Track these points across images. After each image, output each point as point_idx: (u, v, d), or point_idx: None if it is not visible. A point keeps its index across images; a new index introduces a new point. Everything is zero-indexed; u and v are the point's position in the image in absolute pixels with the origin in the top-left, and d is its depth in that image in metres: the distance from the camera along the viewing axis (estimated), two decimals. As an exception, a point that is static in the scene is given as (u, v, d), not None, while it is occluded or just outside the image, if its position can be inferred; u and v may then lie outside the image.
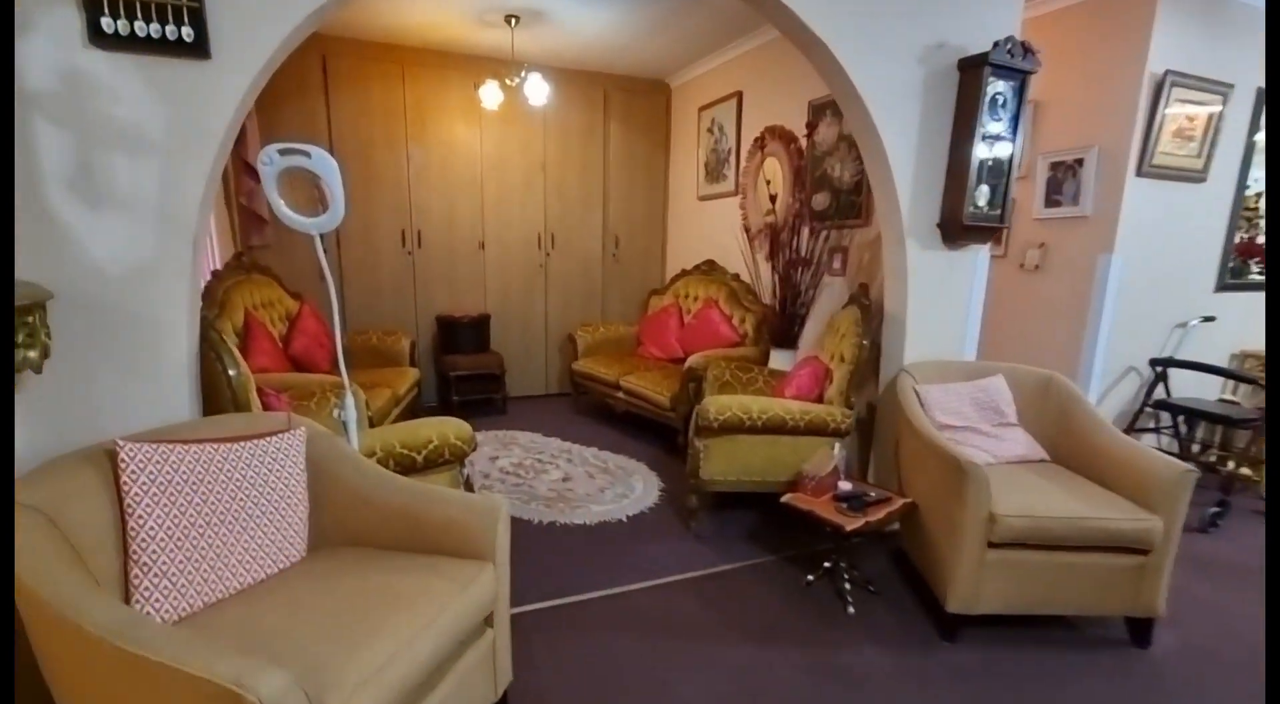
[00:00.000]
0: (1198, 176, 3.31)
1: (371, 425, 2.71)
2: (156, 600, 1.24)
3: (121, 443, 1.28)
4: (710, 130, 4.59)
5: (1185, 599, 2.36)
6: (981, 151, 2.48)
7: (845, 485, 2.37)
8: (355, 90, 4.12)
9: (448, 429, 2.12)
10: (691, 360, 3.63)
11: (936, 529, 2.21)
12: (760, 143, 3.58)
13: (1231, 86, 3.23)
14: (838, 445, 2.46)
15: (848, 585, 2.32)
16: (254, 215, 3.81)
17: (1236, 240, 3.55)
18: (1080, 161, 3.20)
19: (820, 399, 2.91)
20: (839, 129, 3.32)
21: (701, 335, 4.11)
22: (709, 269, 4.49)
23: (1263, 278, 3.62)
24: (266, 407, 1.95)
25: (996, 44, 2.34)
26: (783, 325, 3.52)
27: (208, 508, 1.37)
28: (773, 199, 3.34)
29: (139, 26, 1.41)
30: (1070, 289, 3.32)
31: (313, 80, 4.01)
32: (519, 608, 2.18)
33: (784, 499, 2.34)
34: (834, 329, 3.06)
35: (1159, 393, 3.43)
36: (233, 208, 3.80)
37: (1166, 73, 3.00)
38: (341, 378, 2.68)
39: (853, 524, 2.13)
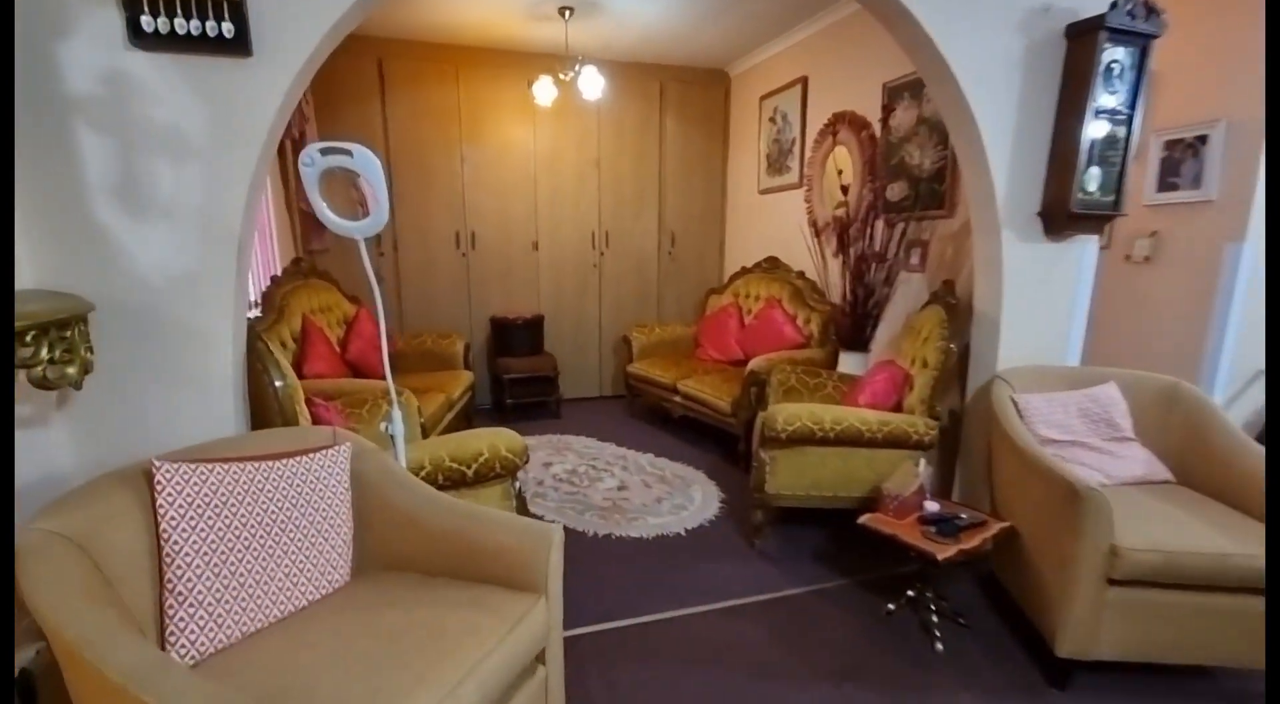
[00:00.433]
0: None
1: (424, 432, 2.65)
2: (191, 632, 1.17)
3: (158, 463, 1.22)
4: (772, 119, 4.36)
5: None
6: (1093, 130, 2.17)
7: (932, 506, 2.13)
8: (410, 92, 4.11)
9: (499, 441, 2.01)
10: (754, 364, 3.43)
11: (1041, 559, 1.94)
12: (829, 130, 3.33)
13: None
14: (922, 462, 2.22)
15: (935, 617, 2.09)
16: (314, 220, 3.84)
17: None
18: (1203, 139, 2.80)
19: (898, 408, 2.65)
20: (918, 112, 3.04)
21: (763, 337, 3.89)
22: (771, 266, 4.26)
23: None
24: (316, 417, 1.89)
25: (1115, 4, 2.03)
26: (853, 326, 3.27)
27: (247, 532, 1.29)
28: (844, 190, 3.09)
29: (179, 24, 1.35)
30: (1188, 283, 2.92)
31: (369, 85, 4.02)
32: (572, 631, 2.05)
33: (863, 521, 2.12)
34: (913, 331, 2.79)
35: (1298, 402, 2.98)
36: (294, 212, 3.84)
37: (1314, 31, 2.58)
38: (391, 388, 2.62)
39: (945, 553, 1.89)
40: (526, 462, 2.11)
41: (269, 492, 1.35)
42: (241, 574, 1.26)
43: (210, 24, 1.36)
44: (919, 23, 2.02)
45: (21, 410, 1.34)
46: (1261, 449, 1.95)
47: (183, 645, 1.16)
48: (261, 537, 1.31)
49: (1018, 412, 2.26)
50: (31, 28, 1.26)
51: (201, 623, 1.18)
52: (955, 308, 2.53)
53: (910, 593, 2.19)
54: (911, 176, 3.12)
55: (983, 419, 2.44)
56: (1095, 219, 2.29)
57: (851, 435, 2.41)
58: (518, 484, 2.18)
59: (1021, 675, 1.89)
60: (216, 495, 1.27)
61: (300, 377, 2.85)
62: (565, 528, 2.85)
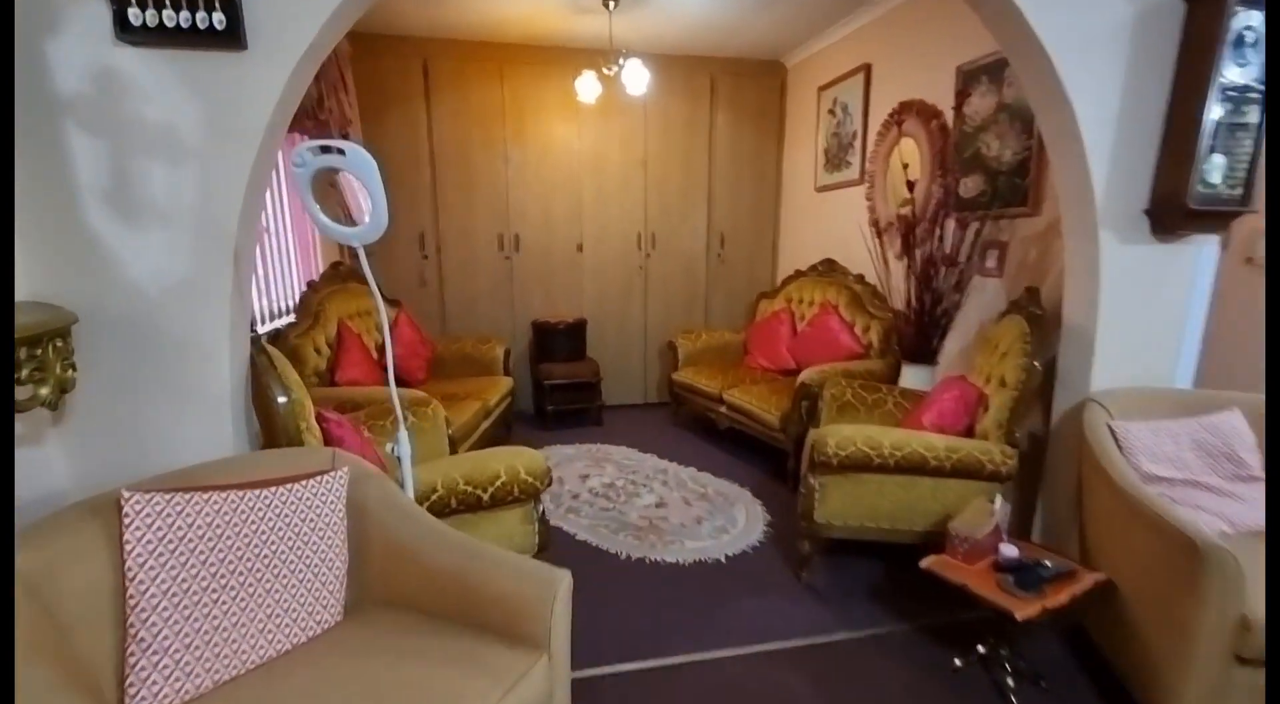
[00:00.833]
0: None
1: (451, 444, 2.54)
2: (154, 683, 1.06)
3: (126, 493, 1.12)
4: (831, 112, 4.06)
5: None
6: (1217, 111, 1.82)
7: (1009, 551, 1.83)
8: (455, 93, 4.05)
9: (518, 463, 1.86)
10: (805, 375, 3.17)
11: (1147, 622, 1.63)
12: (894, 121, 3.04)
13: None
14: (999, 498, 1.92)
15: (1010, 679, 1.80)
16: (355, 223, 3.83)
17: None
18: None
19: (969, 431, 2.35)
20: (998, 97, 2.71)
21: (817, 345, 3.61)
22: (827, 269, 3.97)
23: None
24: (327, 435, 1.79)
25: (1250, -42, 1.69)
26: (918, 336, 2.96)
27: (225, 569, 1.18)
28: (910, 186, 2.80)
29: (168, 16, 1.25)
30: (1330, 291, 2.47)
31: (414, 87, 3.98)
32: (592, 670, 1.88)
33: (927, 565, 1.85)
34: (989, 343, 2.48)
35: None
36: (339, 215, 3.84)
37: None
38: (423, 396, 2.52)
39: (1026, 611, 1.61)
40: (548, 484, 1.95)
41: (252, 523, 1.24)
42: (215, 616, 1.14)
43: (200, 15, 1.27)
44: (1004, -8, 1.73)
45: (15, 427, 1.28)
46: None
47: (143, 698, 1.05)
48: (241, 574, 1.20)
49: (1116, 442, 1.93)
50: (18, 25, 1.19)
51: (166, 672, 1.07)
52: (1040, 319, 2.20)
53: (981, 649, 1.91)
54: (988, 170, 2.79)
55: (1071, 448, 2.11)
56: (1217, 216, 1.93)
57: (915, 463, 2.14)
58: (541, 507, 2.03)
59: (1120, 761, 1.59)
60: (192, 529, 1.16)
61: (333, 383, 2.82)
62: (596, 549, 2.72)
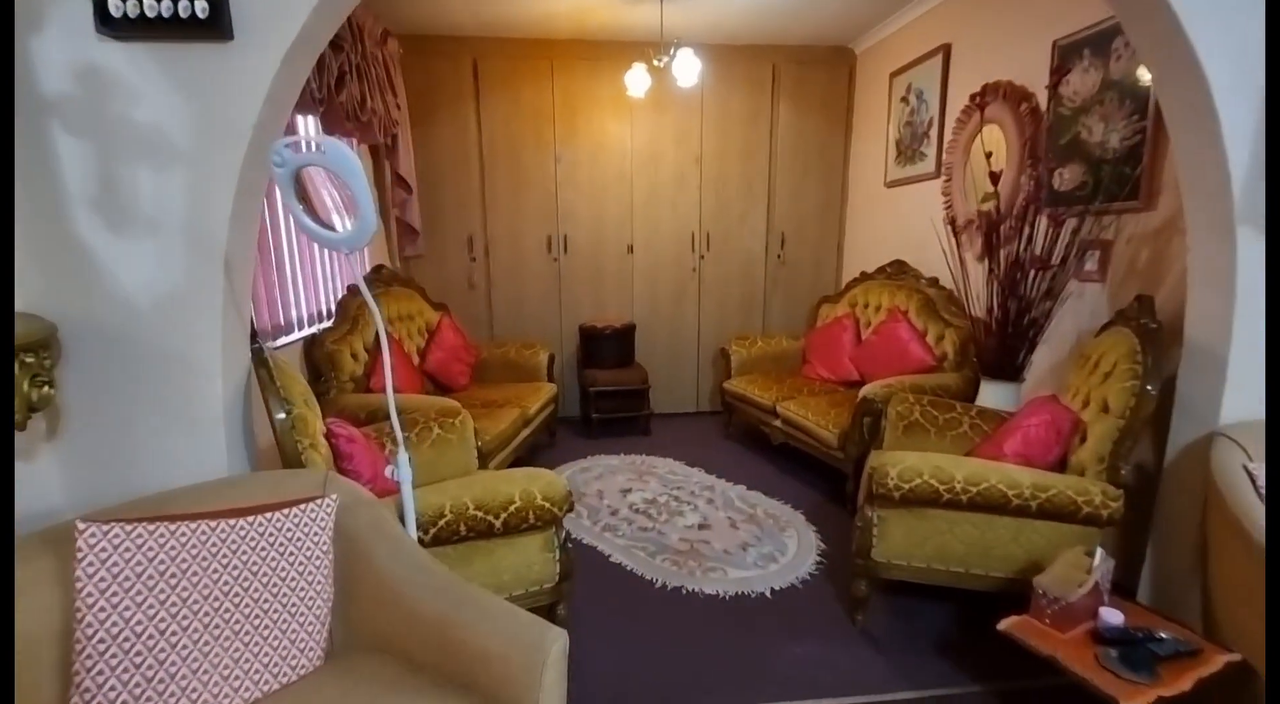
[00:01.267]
0: None
1: (482, 457, 2.42)
2: (97, 739, 0.96)
3: (81, 524, 1.03)
4: (905, 99, 3.70)
5: None
6: None
7: (1113, 617, 1.52)
8: (505, 92, 3.97)
9: (534, 487, 1.71)
10: (869, 389, 2.87)
11: (1300, 726, 1.28)
12: (977, 104, 2.69)
13: None
14: (1099, 552, 1.60)
15: (1112, 771, 1.48)
16: (408, 226, 3.83)
17: None
18: None
19: (1062, 464, 2.02)
20: (1103, 74, 2.33)
21: (883, 356, 3.29)
22: (897, 272, 3.63)
23: None
24: (336, 450, 1.69)
25: None
26: (1000, 348, 2.60)
27: (188, 610, 1.07)
28: (993, 178, 2.46)
29: (149, 4, 1.17)
30: None
31: (464, 87, 3.93)
32: (615, 721, 1.70)
33: (1006, 627, 1.56)
34: (1087, 361, 2.12)
35: None
36: (389, 219, 3.85)
37: None
38: (451, 406, 2.42)
39: (1135, 700, 1.30)
40: (568, 511, 1.79)
41: (224, 558, 1.13)
42: (174, 663, 1.04)
43: (183, 4, 1.18)
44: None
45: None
46: None
47: (84, 755, 0.95)
48: (207, 615, 1.09)
49: (1255, 487, 1.57)
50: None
51: (111, 726, 0.97)
52: (1155, 334, 1.84)
53: (1074, 729, 1.59)
54: (1090, 158, 2.41)
55: (1193, 491, 1.75)
56: (1403, 209, 1.53)
57: (993, 501, 1.83)
58: (564, 533, 1.87)
59: None
60: (153, 564, 1.06)
61: (367, 389, 2.77)
62: (629, 574, 2.53)
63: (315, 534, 1.25)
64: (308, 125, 2.77)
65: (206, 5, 1.19)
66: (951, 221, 3.13)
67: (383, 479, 1.63)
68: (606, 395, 3.95)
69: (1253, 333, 1.68)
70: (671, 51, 3.30)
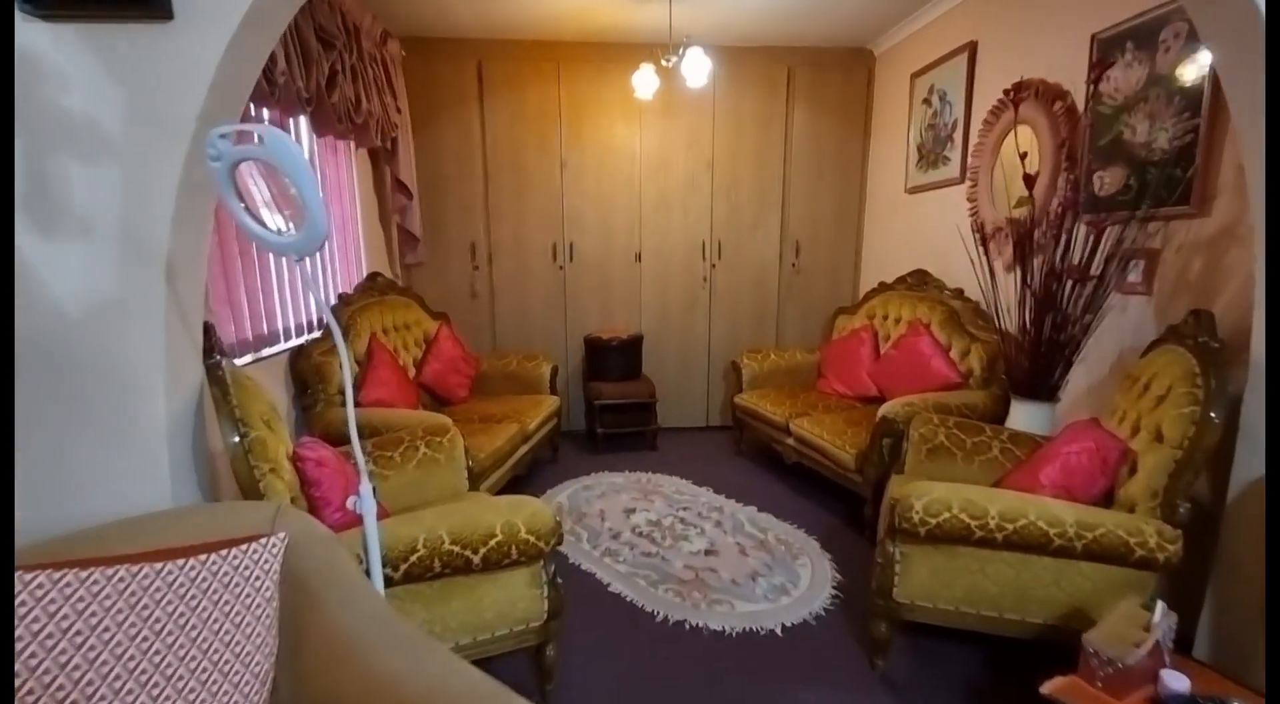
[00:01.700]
0: None
1: (474, 477, 2.27)
2: None
3: (-34, 574, 0.88)
4: (927, 101, 3.52)
5: None
6: None
7: (1177, 682, 1.31)
8: (509, 95, 3.85)
9: (518, 518, 1.54)
10: (888, 408, 2.67)
11: None
12: (1012, 100, 2.50)
13: None
14: (1160, 606, 1.39)
15: None
16: (408, 233, 3.71)
17: None
18: None
19: (1108, 496, 1.81)
20: (1149, 68, 2.14)
21: (904, 371, 3.09)
22: (918, 282, 3.44)
23: None
24: (303, 476, 1.55)
25: None
26: (1033, 366, 2.40)
27: (95, 674, 0.92)
28: (1029, 181, 2.27)
29: (78, -21, 1.04)
30: None
31: (468, 90, 3.82)
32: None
33: (1050, 690, 1.36)
34: (1134, 381, 1.92)
35: None
36: (389, 225, 3.74)
37: None
38: (440, 423, 2.27)
39: (1210, 791, 1.10)
40: (556, 544, 1.62)
41: (144, 610, 0.98)
42: (71, 737, 0.89)
43: (115, -23, 1.05)
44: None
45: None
46: None
47: None
48: (119, 678, 0.94)
49: (1340, 533, 1.36)
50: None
51: (-11, 817, 0.82)
52: (1217, 354, 1.64)
53: (1129, 809, 1.38)
54: (1134, 160, 2.21)
55: (1260, 532, 1.54)
56: None
57: (1032, 540, 1.64)
58: (552, 568, 1.70)
59: None
60: (54, 620, 0.92)
61: (357, 404, 2.62)
62: (629, 605, 2.33)
63: (257, 579, 1.10)
64: (298, 126, 2.65)
65: (142, -21, 1.06)
66: (978, 229, 2.93)
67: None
68: (612, 409, 3.79)
69: (1333, 354, 1.47)
70: (680, 51, 3.15)
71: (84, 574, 0.96)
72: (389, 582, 1.45)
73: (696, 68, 3.11)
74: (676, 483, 3.41)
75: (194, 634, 1.02)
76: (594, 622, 2.18)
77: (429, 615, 1.57)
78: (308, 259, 1.12)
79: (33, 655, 0.89)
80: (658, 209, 4.09)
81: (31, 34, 1.09)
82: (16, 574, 0.92)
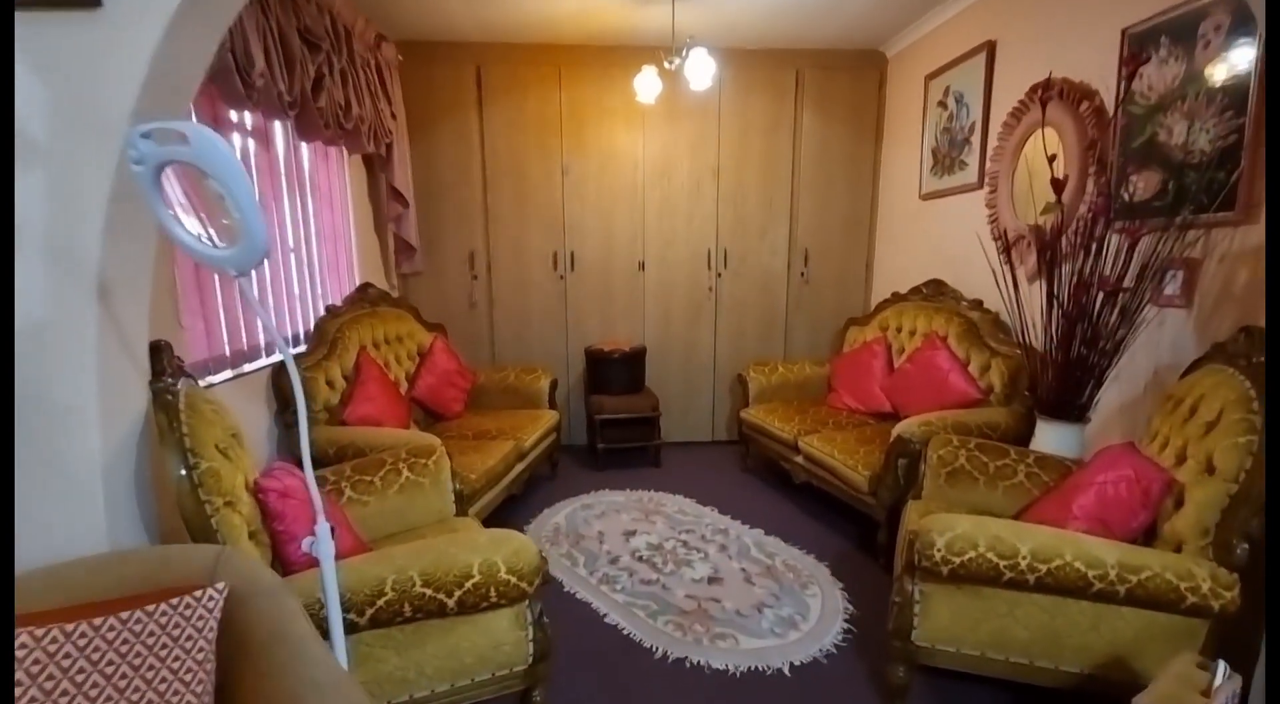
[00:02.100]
0: None
1: (460, 501, 2.14)
2: None
3: None
4: (942, 103, 3.38)
5: None
6: None
7: (1241, 755, 1.15)
8: (509, 101, 3.74)
9: (498, 556, 1.40)
10: (903, 427, 2.51)
11: None
12: (1039, 98, 2.34)
13: None
14: (1222, 668, 1.23)
15: None
16: (404, 242, 3.60)
17: None
18: None
19: (1150, 532, 1.65)
20: (1186, 65, 1.98)
21: (919, 387, 2.93)
22: (934, 293, 3.28)
23: None
24: (266, 509, 1.42)
25: None
26: (1060, 383, 2.23)
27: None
28: (1057, 185, 2.11)
29: (-8, -39, 0.92)
30: None
31: (466, 95, 3.71)
32: None
33: (1094, 762, 1.20)
34: (1177, 404, 1.76)
35: None
36: (384, 234, 3.63)
37: None
38: (426, 444, 2.14)
39: None
40: (540, 583, 1.47)
41: (50, 679, 0.85)
42: None
43: (34, -42, 0.93)
44: None
45: None
46: None
47: None
48: (11, 762, 0.81)
49: None
50: None
51: None
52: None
53: None
54: (1170, 163, 2.05)
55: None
56: None
57: (1069, 583, 1.48)
58: (538, 608, 1.56)
59: None
60: (-66, 696, 0.78)
61: (342, 422, 2.50)
62: (625, 639, 2.14)
63: (189, 639, 0.97)
64: (287, 131, 2.55)
65: (65, -38, 0.95)
66: (999, 237, 2.78)
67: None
68: (614, 424, 3.64)
69: None
70: (684, 52, 3.03)
71: (-23, 641, 0.83)
72: (354, 627, 1.31)
73: (700, 69, 2.98)
74: (680, 502, 3.26)
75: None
76: (587, 659, 2.04)
77: (402, 661, 1.43)
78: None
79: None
80: (661, 217, 3.96)
81: (-57, 24, 0.98)
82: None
